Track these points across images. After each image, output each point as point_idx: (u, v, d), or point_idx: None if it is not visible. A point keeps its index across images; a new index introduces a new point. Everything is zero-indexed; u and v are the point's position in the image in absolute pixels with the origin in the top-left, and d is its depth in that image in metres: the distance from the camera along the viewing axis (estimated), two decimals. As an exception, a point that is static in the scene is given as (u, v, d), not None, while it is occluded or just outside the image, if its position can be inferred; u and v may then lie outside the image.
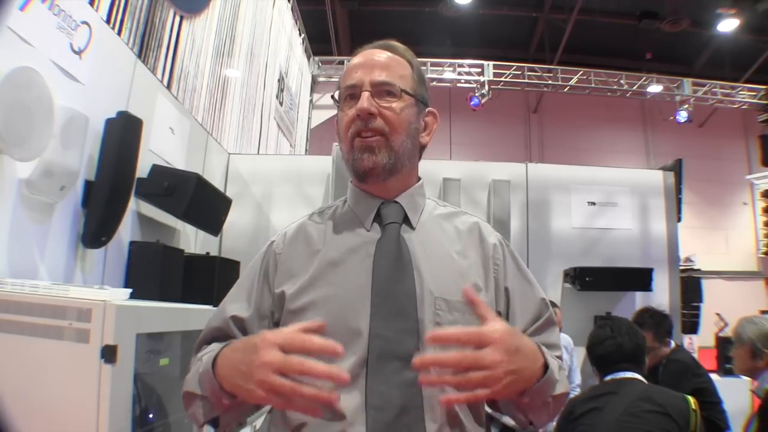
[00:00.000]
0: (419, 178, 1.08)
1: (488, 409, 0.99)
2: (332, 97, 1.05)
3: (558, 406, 0.93)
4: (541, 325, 1.01)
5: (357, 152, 0.98)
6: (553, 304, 3.43)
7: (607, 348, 2.02)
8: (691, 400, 1.85)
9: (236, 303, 1.02)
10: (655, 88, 10.20)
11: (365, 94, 0.97)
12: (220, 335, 1.00)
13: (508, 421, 2.26)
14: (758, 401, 2.12)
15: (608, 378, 2.00)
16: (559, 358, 0.99)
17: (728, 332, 8.26)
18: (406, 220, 1.02)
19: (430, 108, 1.07)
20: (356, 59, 1.03)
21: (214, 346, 0.93)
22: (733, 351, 2.29)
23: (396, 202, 1.03)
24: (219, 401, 0.86)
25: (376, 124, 0.96)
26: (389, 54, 1.03)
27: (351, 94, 1.00)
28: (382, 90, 0.98)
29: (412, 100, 1.01)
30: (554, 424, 2.06)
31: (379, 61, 1.01)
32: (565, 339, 3.64)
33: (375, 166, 0.97)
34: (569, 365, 3.64)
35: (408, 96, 1.00)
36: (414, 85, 1.03)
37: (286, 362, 0.76)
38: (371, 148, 0.97)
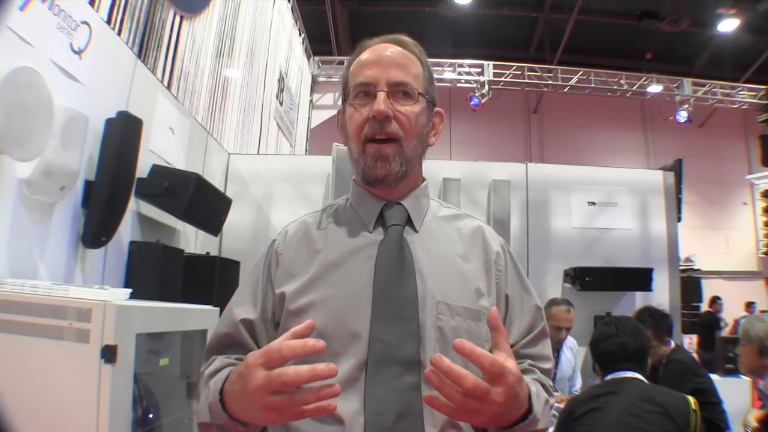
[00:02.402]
0: (424, 179, 1.06)
1: None
2: (344, 93, 1.01)
3: None
4: (535, 337, 1.01)
5: (370, 159, 0.95)
6: (568, 302, 3.40)
7: (611, 346, 2.00)
8: (692, 400, 1.84)
9: (243, 306, 0.99)
10: (655, 88, 10.20)
11: (381, 95, 0.93)
12: (230, 341, 0.97)
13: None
14: (759, 402, 2.11)
15: (609, 377, 1.99)
16: (548, 371, 0.99)
17: (728, 332, 8.28)
18: (409, 222, 1.00)
19: (437, 108, 1.05)
20: (368, 54, 0.98)
21: (221, 374, 0.89)
22: (740, 349, 2.26)
23: (400, 203, 1.01)
24: (235, 429, 0.83)
25: (391, 129, 0.94)
26: (402, 50, 0.99)
27: (364, 91, 0.96)
28: (397, 90, 0.95)
29: (425, 103, 0.99)
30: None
31: (394, 58, 0.97)
32: (570, 340, 3.61)
33: (388, 174, 0.95)
34: (573, 366, 3.61)
35: (422, 98, 0.98)
36: (426, 84, 1.00)
37: (269, 380, 0.72)
38: (385, 157, 0.94)
